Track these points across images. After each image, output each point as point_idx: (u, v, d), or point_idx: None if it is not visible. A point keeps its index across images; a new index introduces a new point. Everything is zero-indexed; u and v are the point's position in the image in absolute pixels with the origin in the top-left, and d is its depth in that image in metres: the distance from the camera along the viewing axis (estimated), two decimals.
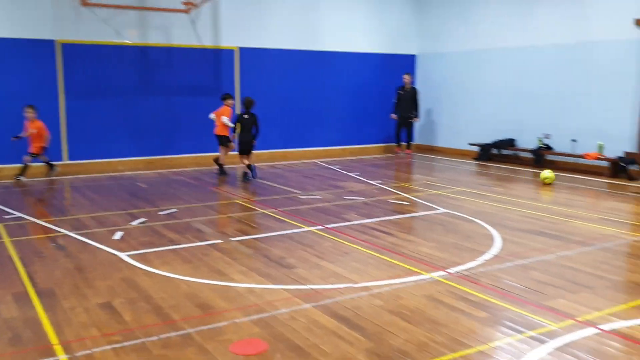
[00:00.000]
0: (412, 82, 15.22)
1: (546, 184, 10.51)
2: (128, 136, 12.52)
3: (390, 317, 4.33)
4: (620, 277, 5.41)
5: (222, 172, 11.28)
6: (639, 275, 5.36)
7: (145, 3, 12.32)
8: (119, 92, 12.33)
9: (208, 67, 13.28)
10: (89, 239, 6.57)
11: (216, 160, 11.40)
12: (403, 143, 15.28)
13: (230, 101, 11.34)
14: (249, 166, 10.80)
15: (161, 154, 12.89)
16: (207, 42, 13.14)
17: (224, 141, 11.20)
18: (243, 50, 13.58)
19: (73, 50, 11.83)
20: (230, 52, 13.43)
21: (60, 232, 6.92)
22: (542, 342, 3.89)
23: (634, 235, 6.87)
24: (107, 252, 6.06)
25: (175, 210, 8.16)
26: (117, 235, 6.71)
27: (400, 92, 14.91)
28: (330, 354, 3.72)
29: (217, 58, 13.32)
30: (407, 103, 14.89)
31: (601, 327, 4.14)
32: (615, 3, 11.53)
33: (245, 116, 10.64)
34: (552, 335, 4.01)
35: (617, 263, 5.84)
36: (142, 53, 12.49)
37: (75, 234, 6.81)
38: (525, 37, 13.41)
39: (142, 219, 7.54)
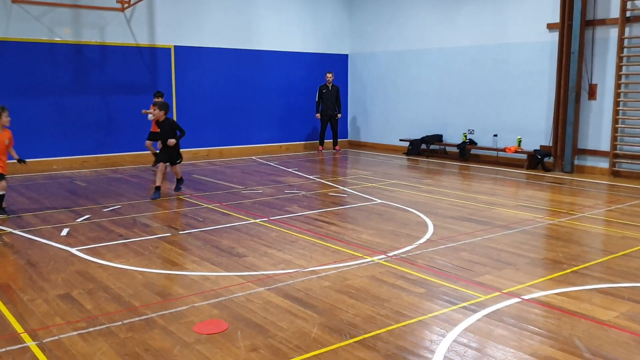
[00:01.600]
0: (334, 81, 15.50)
1: None
2: (62, 135, 12.39)
3: (338, 295, 4.74)
4: (538, 255, 6.04)
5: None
6: (553, 253, 6.00)
7: (78, 1, 12.22)
8: (52, 90, 12.18)
9: (144, 65, 13.30)
10: (35, 236, 6.64)
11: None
12: (327, 141, 15.66)
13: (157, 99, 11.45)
14: (178, 179, 9.29)
15: (97, 152, 12.83)
16: (142, 40, 13.17)
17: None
18: (178, 48, 13.68)
19: (4, 48, 11.60)
20: (166, 50, 13.51)
21: (5, 230, 6.94)
22: (473, 311, 4.40)
23: (549, 219, 7.59)
24: (57, 247, 6.17)
25: (119, 206, 8.28)
26: (64, 232, 6.81)
27: (324, 90, 15.22)
28: (287, 329, 4.09)
29: (152, 56, 13.37)
30: (330, 101, 15.22)
31: (523, 297, 4.70)
32: (530, 9, 12.43)
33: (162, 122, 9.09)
34: (481, 305, 4.52)
35: (535, 243, 6.49)
36: (77, 51, 12.39)
37: (21, 231, 6.86)
38: (450, 39, 14.19)
39: (87, 216, 7.64)
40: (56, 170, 11.83)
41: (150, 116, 11.16)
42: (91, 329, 4.09)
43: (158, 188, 8.90)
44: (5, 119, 7.75)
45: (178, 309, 4.46)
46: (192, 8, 13.81)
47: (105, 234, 6.72)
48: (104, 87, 12.78)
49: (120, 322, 4.20)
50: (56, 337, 3.96)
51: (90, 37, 12.53)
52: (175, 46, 13.62)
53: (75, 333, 4.02)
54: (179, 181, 9.30)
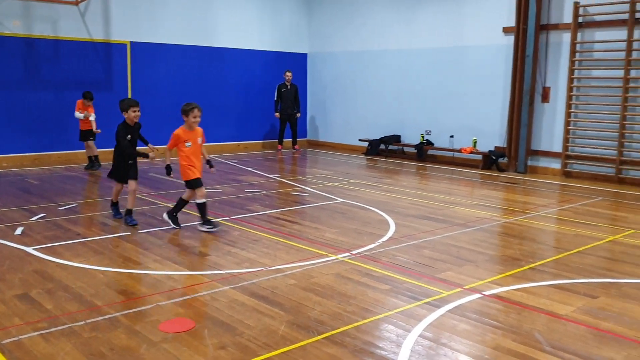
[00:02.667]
0: (292, 80, 15.47)
1: None
2: (12, 131, 12.00)
3: (304, 293, 4.76)
4: (496, 252, 6.20)
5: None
6: (511, 251, 6.16)
7: None
8: (2, 85, 11.78)
9: (98, 61, 13.02)
10: None
11: None
12: (286, 140, 15.66)
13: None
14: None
15: (49, 150, 12.48)
16: (97, 35, 12.89)
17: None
18: (135, 44, 13.45)
19: None
20: (122, 46, 13.25)
21: None
22: (436, 307, 4.48)
23: (505, 217, 7.79)
24: (12, 247, 5.99)
25: (75, 205, 8.09)
26: (19, 231, 6.61)
27: (282, 89, 15.19)
28: (254, 327, 4.08)
29: (108, 52, 13.09)
30: (290, 100, 15.20)
31: (484, 292, 4.82)
32: (487, 13, 12.72)
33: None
34: (444, 301, 4.61)
35: (492, 241, 6.66)
36: (28, 45, 12.02)
37: None
38: (408, 40, 14.38)
39: (42, 214, 7.44)
40: (6, 168, 11.47)
41: (83, 114, 10.98)
42: (53, 329, 3.99)
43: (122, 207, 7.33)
44: (194, 119, 6.99)
45: (142, 308, 4.40)
46: (149, 3, 13.59)
47: (62, 233, 6.56)
48: (56, 82, 12.44)
49: (83, 322, 4.12)
50: (16, 338, 3.85)
51: (42, 30, 12.19)
52: (131, 42, 13.38)
53: (36, 333, 3.92)
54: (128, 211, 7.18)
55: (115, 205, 7.39)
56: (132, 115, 6.99)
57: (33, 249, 5.92)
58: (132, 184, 7.06)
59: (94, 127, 11.20)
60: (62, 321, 4.13)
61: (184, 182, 7.00)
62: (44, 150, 12.43)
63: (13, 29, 11.82)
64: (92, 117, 11.17)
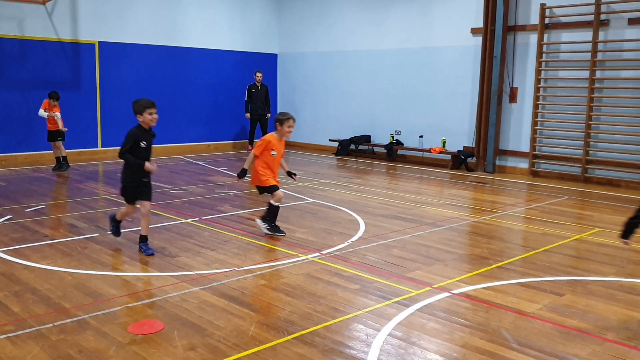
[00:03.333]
0: (263, 80, 15.39)
1: None
2: None
3: (274, 293, 4.77)
4: (465, 251, 6.29)
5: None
6: (479, 249, 6.26)
7: None
8: None
9: (66, 61, 12.82)
10: None
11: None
12: (256, 140, 15.56)
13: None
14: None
15: (16, 150, 12.26)
16: (64, 35, 12.70)
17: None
18: (103, 44, 13.28)
19: None
20: (90, 46, 13.08)
21: None
22: (406, 305, 4.54)
23: (473, 217, 7.90)
24: None
25: (42, 206, 7.97)
26: None
27: (253, 90, 15.10)
28: (224, 328, 4.08)
29: (75, 52, 12.91)
30: (260, 100, 15.12)
31: (453, 291, 4.88)
32: (455, 14, 12.88)
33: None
34: (413, 300, 4.67)
35: (461, 240, 6.75)
36: None
37: None
38: (377, 41, 14.47)
39: (9, 216, 7.31)
40: None
41: (47, 113, 10.83)
42: (20, 332, 3.93)
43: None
44: (288, 129, 6.60)
45: (111, 309, 4.36)
46: (118, 3, 13.44)
47: (29, 235, 6.46)
48: (23, 82, 12.22)
49: (50, 324, 4.06)
50: None
51: (7, 30, 11.96)
52: (99, 42, 13.21)
53: (3, 337, 3.86)
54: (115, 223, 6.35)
55: (116, 222, 6.26)
56: (149, 118, 5.78)
57: None
58: (146, 205, 5.87)
59: (60, 125, 11.02)
60: (29, 324, 4.08)
61: (256, 187, 6.75)
62: (10, 151, 12.21)
63: None
64: (58, 115, 10.98)
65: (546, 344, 3.89)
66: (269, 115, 15.39)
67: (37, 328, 4.01)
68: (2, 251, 5.81)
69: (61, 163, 11.23)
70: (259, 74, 15.06)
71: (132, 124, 5.89)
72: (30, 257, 5.62)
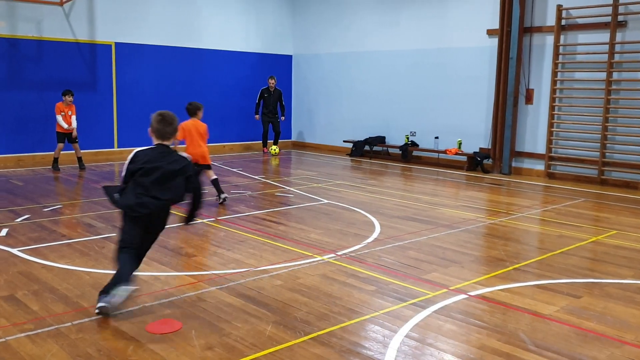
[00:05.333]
0: (277, 85, 15.42)
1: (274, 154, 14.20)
2: None
3: (291, 294, 4.78)
4: (481, 253, 6.26)
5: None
6: (495, 251, 6.23)
7: None
8: None
9: (83, 62, 12.93)
10: None
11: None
12: (270, 141, 15.65)
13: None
14: None
15: (33, 150, 12.37)
16: (82, 36, 12.80)
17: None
18: (119, 45, 13.38)
19: None
20: (106, 47, 13.18)
21: None
22: (422, 307, 4.53)
23: (490, 219, 7.86)
24: None
25: (60, 206, 8.04)
26: (3, 232, 6.56)
27: (265, 94, 15.14)
28: (241, 328, 4.09)
29: (92, 53, 13.01)
30: (272, 105, 15.20)
31: (469, 293, 4.87)
32: (471, 15, 12.83)
33: None
34: (430, 302, 4.66)
35: (477, 242, 6.73)
36: (12, 46, 11.91)
37: None
38: (392, 42, 14.45)
39: (26, 216, 7.38)
40: None
41: (67, 126, 11.02)
42: (39, 331, 3.98)
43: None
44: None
45: (129, 309, 4.39)
46: (134, 4, 13.53)
47: (47, 234, 6.52)
48: (40, 83, 12.34)
49: (69, 323, 4.10)
50: (2, 339, 3.83)
51: (26, 31, 12.09)
52: (116, 43, 13.31)
53: (22, 335, 3.91)
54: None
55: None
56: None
57: (18, 250, 5.88)
58: None
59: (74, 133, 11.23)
60: (48, 322, 4.12)
61: (198, 165, 7.78)
62: (27, 151, 12.33)
63: None
64: (75, 124, 11.18)
65: (564, 346, 3.87)
66: (282, 118, 15.44)
67: (56, 327, 4.05)
68: (20, 250, 5.87)
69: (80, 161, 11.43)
70: (272, 81, 15.08)
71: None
72: (49, 257, 5.67)
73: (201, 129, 8.20)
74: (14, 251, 5.84)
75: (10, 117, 12.05)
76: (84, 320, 4.17)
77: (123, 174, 4.49)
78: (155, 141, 4.63)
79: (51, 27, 12.37)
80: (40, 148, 12.49)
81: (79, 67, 12.88)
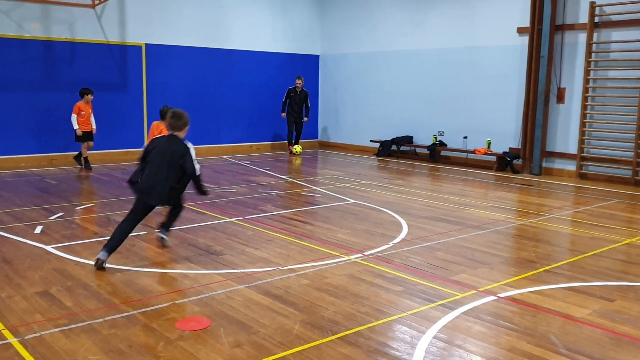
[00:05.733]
0: (304, 85, 15.43)
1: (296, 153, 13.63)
2: (30, 132, 12.16)
3: (318, 293, 4.79)
4: (511, 254, 6.19)
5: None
6: (525, 253, 6.16)
7: None
8: (20, 87, 11.94)
9: (114, 63, 13.13)
10: (8, 233, 6.53)
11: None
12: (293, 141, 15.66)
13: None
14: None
15: (66, 150, 12.59)
16: (112, 37, 13.00)
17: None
18: (149, 46, 13.55)
19: None
20: (137, 48, 13.36)
21: None
22: (451, 308, 4.50)
23: (520, 220, 7.77)
24: (32, 245, 6.08)
25: (91, 204, 8.18)
26: (38, 230, 6.71)
27: (292, 94, 15.18)
28: (269, 326, 4.12)
29: (123, 54, 13.21)
30: (298, 105, 15.24)
31: (499, 295, 4.82)
32: (501, 13, 12.69)
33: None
34: (458, 303, 4.62)
35: (507, 243, 6.65)
36: (46, 47, 12.16)
37: None
38: (420, 41, 14.37)
39: (60, 214, 7.53)
40: (24, 168, 11.61)
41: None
42: (73, 326, 4.06)
43: None
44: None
45: (159, 306, 4.45)
46: (163, 6, 13.69)
47: (80, 232, 6.65)
48: (73, 84, 12.54)
49: (101, 319, 4.18)
50: (38, 334, 3.92)
51: (59, 33, 12.33)
52: (146, 44, 13.49)
53: (57, 330, 3.99)
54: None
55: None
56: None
57: (52, 247, 6.00)
58: None
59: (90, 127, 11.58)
60: (81, 318, 4.20)
61: None
62: (61, 150, 12.55)
63: (32, 32, 11.96)
64: (94, 125, 11.58)
65: (596, 350, 3.81)
66: (306, 119, 15.47)
67: (88, 322, 4.12)
68: (54, 247, 5.99)
69: (87, 162, 11.65)
70: (299, 81, 15.11)
71: None
72: (81, 254, 5.78)
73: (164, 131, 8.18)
74: (48, 248, 5.96)
75: (44, 118, 12.29)
76: (116, 316, 4.24)
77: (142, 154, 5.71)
78: (167, 132, 5.75)
79: (83, 29, 12.58)
80: (73, 148, 12.69)
81: (110, 68, 13.08)
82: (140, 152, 5.73)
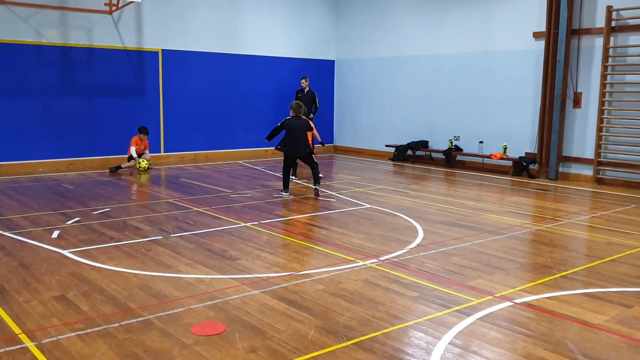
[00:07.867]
0: (310, 85, 15.41)
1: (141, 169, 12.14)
2: (49, 137, 12.29)
3: (333, 298, 4.78)
4: (527, 260, 6.15)
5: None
6: (542, 258, 6.11)
7: (66, 3, 12.15)
8: (39, 92, 12.09)
9: (131, 68, 13.26)
10: (26, 238, 6.61)
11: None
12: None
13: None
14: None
15: (83, 155, 12.74)
16: (130, 43, 13.13)
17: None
18: (166, 52, 13.67)
19: None
20: (153, 54, 13.48)
21: None
22: (467, 314, 4.47)
23: (536, 225, 7.71)
24: (49, 249, 6.15)
25: (108, 209, 8.25)
26: (55, 234, 6.77)
27: (299, 95, 15.23)
28: (284, 331, 4.12)
29: (140, 60, 13.33)
30: (307, 106, 15.24)
31: (515, 301, 4.78)
32: (517, 17, 12.63)
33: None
34: (474, 309, 4.60)
35: (523, 248, 6.60)
36: (64, 53, 12.31)
37: (11, 233, 6.81)
38: (436, 46, 14.34)
39: (77, 218, 7.60)
40: (42, 173, 11.74)
41: (136, 159, 11.92)
42: (89, 330, 4.09)
43: None
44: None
45: (174, 310, 4.48)
46: (180, 12, 13.81)
47: (96, 237, 6.70)
48: (90, 89, 12.71)
49: (117, 324, 4.21)
50: (54, 338, 3.95)
51: (77, 39, 12.47)
52: (163, 50, 13.60)
53: (73, 334, 4.02)
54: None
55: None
56: None
57: (69, 252, 6.06)
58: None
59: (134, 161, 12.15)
60: (97, 323, 4.23)
61: None
62: (78, 155, 12.69)
63: (50, 38, 12.12)
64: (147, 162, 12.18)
65: (614, 357, 3.77)
66: (311, 115, 15.43)
67: (104, 327, 4.16)
68: (71, 252, 6.05)
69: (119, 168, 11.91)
70: (304, 81, 15.08)
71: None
72: (98, 258, 5.83)
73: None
74: (65, 253, 6.02)
75: (62, 123, 12.42)
76: (131, 321, 4.27)
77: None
78: (293, 113, 9.61)
79: (101, 35, 12.72)
80: (91, 153, 12.85)
81: (127, 73, 13.21)
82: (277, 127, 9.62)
